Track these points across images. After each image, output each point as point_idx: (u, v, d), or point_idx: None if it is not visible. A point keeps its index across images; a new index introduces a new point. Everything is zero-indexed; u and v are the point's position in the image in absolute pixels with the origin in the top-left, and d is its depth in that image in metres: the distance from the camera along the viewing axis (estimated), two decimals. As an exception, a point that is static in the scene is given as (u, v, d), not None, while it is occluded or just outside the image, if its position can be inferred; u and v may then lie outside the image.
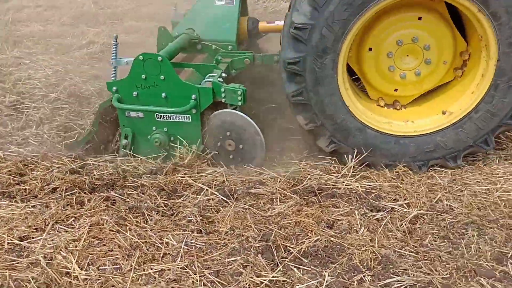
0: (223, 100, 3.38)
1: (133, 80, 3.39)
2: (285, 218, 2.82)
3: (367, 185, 3.21)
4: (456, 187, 3.16)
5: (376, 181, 3.27)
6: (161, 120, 3.44)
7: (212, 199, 2.98)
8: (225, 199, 2.98)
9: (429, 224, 2.81)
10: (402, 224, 2.80)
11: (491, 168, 3.35)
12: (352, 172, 3.32)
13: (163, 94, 3.38)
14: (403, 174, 3.31)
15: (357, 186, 3.17)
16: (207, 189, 3.05)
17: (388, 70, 3.39)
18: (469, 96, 3.33)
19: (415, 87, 3.52)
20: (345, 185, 3.19)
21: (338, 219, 2.85)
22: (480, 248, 2.54)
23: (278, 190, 3.08)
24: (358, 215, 2.85)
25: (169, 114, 3.41)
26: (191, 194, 3.06)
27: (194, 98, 3.33)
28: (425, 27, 3.27)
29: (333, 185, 3.20)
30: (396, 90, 3.51)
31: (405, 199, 3.03)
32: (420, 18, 3.26)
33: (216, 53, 4.03)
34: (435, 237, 2.68)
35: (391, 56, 3.33)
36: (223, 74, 3.60)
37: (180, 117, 3.41)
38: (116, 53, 3.70)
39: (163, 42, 4.09)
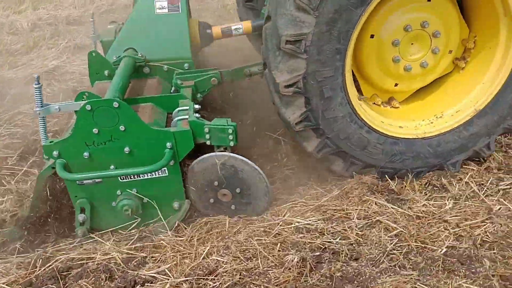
0: (207, 142, 2.66)
1: (80, 138, 2.54)
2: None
3: (132, 249, 2.56)
4: (237, 228, 2.61)
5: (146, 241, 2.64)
6: (127, 180, 2.65)
7: None
8: None
9: (186, 297, 2.23)
10: (154, 303, 2.20)
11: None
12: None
13: (126, 149, 2.58)
14: (182, 223, 2.70)
15: (117, 254, 2.52)
16: None
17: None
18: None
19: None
20: (103, 253, 2.53)
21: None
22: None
23: (5, 284, 2.35)
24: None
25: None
26: None
27: (169, 147, 2.58)
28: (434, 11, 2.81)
29: (89, 258, 2.52)
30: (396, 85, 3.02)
31: (170, 263, 2.43)
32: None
33: (169, 76, 3.21)
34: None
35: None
36: (196, 106, 2.82)
37: (154, 173, 2.63)
38: (41, 98, 2.73)
39: (97, 72, 3.24)
